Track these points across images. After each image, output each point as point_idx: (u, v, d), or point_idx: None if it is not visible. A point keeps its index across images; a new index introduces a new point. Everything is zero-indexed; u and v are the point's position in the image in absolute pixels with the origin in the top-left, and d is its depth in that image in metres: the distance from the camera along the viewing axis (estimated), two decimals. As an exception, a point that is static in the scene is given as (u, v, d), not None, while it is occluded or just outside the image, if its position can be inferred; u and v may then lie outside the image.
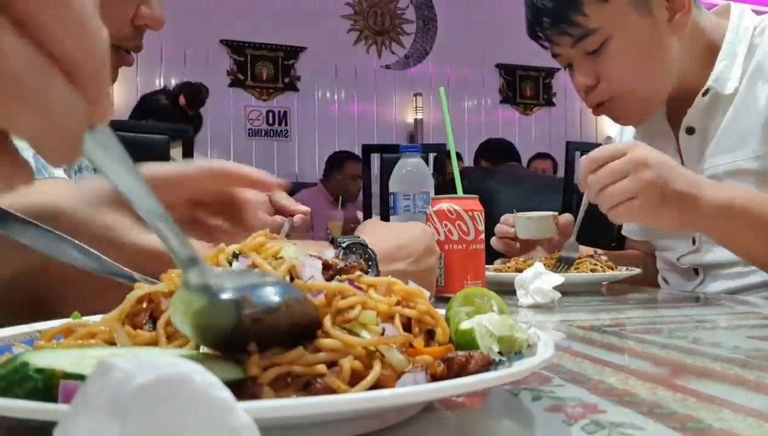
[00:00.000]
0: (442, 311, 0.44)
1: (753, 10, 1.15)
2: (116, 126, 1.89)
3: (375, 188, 2.53)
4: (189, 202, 0.66)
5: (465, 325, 0.41)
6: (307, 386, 0.31)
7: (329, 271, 0.41)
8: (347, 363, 0.32)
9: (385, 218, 1.61)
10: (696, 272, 1.22)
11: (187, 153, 2.09)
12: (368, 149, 2.71)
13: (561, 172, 3.36)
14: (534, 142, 5.57)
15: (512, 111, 5.93)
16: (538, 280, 0.87)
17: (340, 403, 0.28)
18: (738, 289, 1.13)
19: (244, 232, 0.46)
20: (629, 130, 1.34)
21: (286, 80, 5.27)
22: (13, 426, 0.31)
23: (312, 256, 0.41)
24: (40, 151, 0.23)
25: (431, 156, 2.58)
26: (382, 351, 0.34)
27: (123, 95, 4.55)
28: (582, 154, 2.58)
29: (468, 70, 5.67)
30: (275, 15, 5.14)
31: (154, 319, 0.37)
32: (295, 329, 0.33)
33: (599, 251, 1.22)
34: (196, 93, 2.62)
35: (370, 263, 0.68)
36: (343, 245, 0.69)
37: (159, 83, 4.72)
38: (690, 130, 1.14)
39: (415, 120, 5.49)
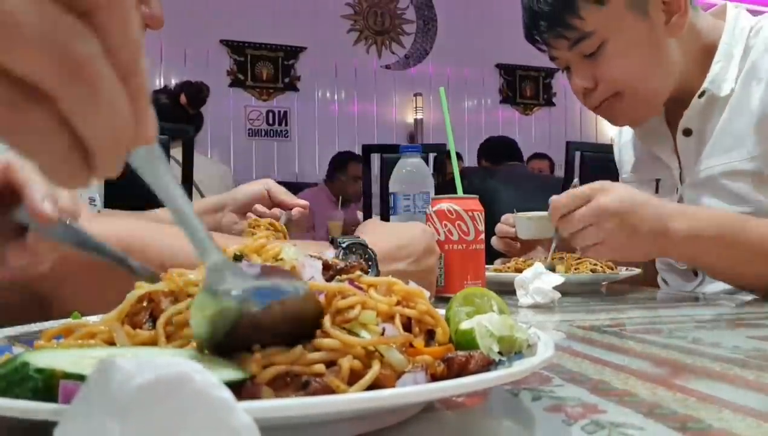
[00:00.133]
0: (442, 311, 0.44)
1: (749, 10, 1.15)
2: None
3: (375, 188, 2.53)
4: None
5: (465, 325, 0.41)
6: (305, 385, 0.31)
7: (329, 271, 0.41)
8: (346, 363, 0.32)
9: (385, 218, 1.62)
10: (695, 272, 1.22)
11: (187, 153, 2.09)
12: (368, 149, 2.71)
13: (560, 172, 3.36)
14: (534, 142, 5.57)
15: (512, 111, 5.93)
16: (538, 280, 0.87)
17: (340, 403, 0.28)
18: (737, 290, 1.13)
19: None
20: (628, 131, 1.34)
21: (286, 80, 5.27)
22: (13, 426, 0.31)
23: (312, 256, 0.41)
24: (100, 156, 0.24)
25: (431, 156, 2.58)
26: (381, 351, 0.34)
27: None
28: (582, 155, 2.58)
29: (468, 70, 5.66)
30: (275, 15, 5.14)
31: (154, 318, 0.37)
32: (299, 325, 0.34)
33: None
34: (197, 92, 2.62)
35: (370, 263, 0.68)
36: (343, 245, 0.69)
37: (159, 83, 4.71)
38: (687, 132, 1.14)
39: (415, 120, 5.49)
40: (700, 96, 1.10)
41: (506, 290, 0.87)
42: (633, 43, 1.07)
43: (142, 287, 0.38)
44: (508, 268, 1.17)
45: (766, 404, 0.39)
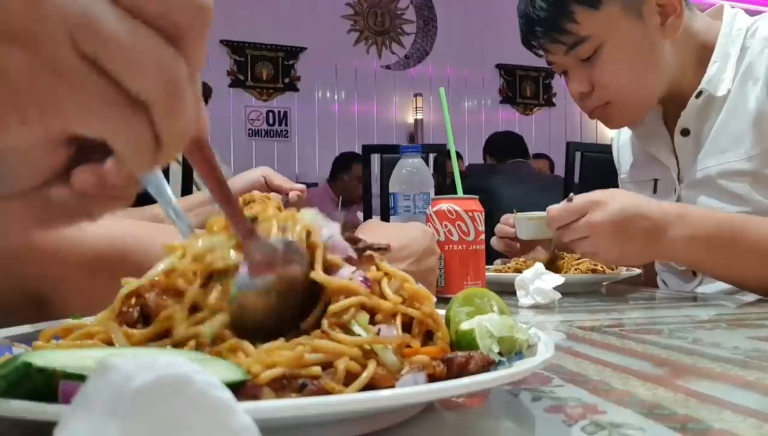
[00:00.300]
0: (442, 312, 0.45)
1: (746, 10, 1.15)
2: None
3: (375, 188, 2.53)
4: None
5: (465, 325, 0.41)
6: (302, 387, 0.31)
7: (356, 244, 0.41)
8: (341, 364, 0.32)
9: (385, 218, 1.62)
10: (694, 273, 1.22)
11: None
12: (368, 149, 2.71)
13: (560, 172, 3.36)
14: (534, 143, 5.56)
15: (512, 111, 5.93)
16: (539, 280, 0.87)
17: (341, 404, 0.28)
18: (736, 289, 1.13)
19: None
20: (626, 131, 1.35)
21: (286, 80, 5.27)
22: (13, 426, 0.31)
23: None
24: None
25: (431, 156, 2.58)
26: (377, 351, 0.34)
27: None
28: (582, 155, 2.57)
29: (468, 71, 5.66)
30: (275, 15, 5.14)
31: (144, 315, 0.37)
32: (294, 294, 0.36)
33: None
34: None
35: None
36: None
37: (159, 83, 4.70)
38: (685, 132, 1.15)
39: (415, 120, 5.49)
40: (697, 96, 1.10)
41: (506, 291, 0.87)
42: (629, 46, 1.08)
43: (129, 284, 0.38)
44: (508, 268, 1.17)
45: (766, 404, 0.39)
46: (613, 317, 0.82)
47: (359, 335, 0.35)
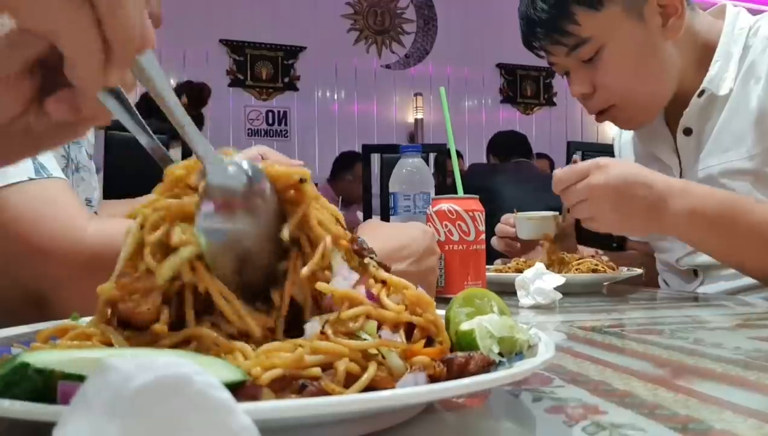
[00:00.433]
0: (442, 312, 0.44)
1: (749, 9, 1.15)
2: (116, 126, 1.88)
3: (375, 188, 2.53)
4: None
5: (465, 326, 0.41)
6: (301, 389, 0.31)
7: (362, 252, 0.41)
8: (342, 366, 0.32)
9: (385, 218, 1.62)
10: (695, 273, 1.22)
11: (187, 153, 2.09)
12: (368, 149, 2.71)
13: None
14: (535, 142, 5.56)
15: (513, 111, 5.93)
16: (539, 280, 0.86)
17: (341, 404, 0.28)
18: (738, 289, 1.13)
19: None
20: (628, 131, 1.34)
21: (286, 80, 5.27)
22: (12, 426, 0.31)
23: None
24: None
25: (431, 156, 2.58)
26: (383, 353, 0.34)
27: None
28: (583, 155, 2.58)
29: (468, 70, 5.66)
30: (275, 15, 5.14)
31: (120, 320, 0.37)
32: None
33: (600, 251, 1.22)
34: (198, 93, 2.63)
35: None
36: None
37: (159, 83, 4.70)
38: (687, 131, 1.14)
39: (416, 120, 5.49)
40: (700, 95, 1.10)
41: (507, 291, 0.87)
42: (630, 48, 1.07)
43: (103, 291, 0.38)
44: (509, 268, 1.17)
45: (767, 404, 0.39)
46: (613, 317, 0.82)
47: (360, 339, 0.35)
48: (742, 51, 1.08)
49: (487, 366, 0.37)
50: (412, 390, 0.31)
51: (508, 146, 3.66)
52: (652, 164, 1.24)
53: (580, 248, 1.26)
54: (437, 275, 0.88)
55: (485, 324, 0.40)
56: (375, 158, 2.70)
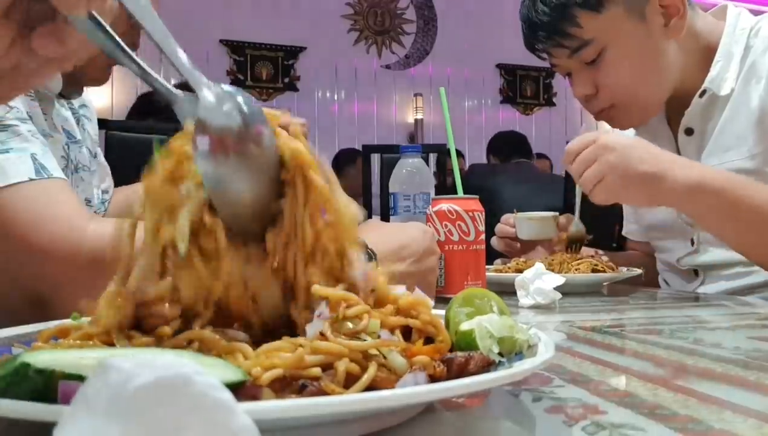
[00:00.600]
0: (442, 312, 0.44)
1: (750, 10, 1.15)
2: (116, 126, 1.88)
3: (375, 188, 2.53)
4: None
5: (465, 326, 0.41)
6: (301, 389, 0.31)
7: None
8: (342, 366, 0.32)
9: (385, 218, 1.61)
10: (696, 273, 1.22)
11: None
12: (368, 149, 2.71)
13: (560, 172, 3.35)
14: (534, 143, 5.56)
15: (513, 111, 5.92)
16: (539, 280, 0.86)
17: (342, 404, 0.28)
18: (738, 289, 1.13)
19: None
20: (629, 130, 1.34)
21: (286, 80, 5.26)
22: (13, 426, 0.31)
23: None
24: None
25: (432, 156, 2.58)
26: (384, 353, 0.34)
27: (123, 95, 4.54)
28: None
29: (468, 70, 5.66)
30: (275, 15, 5.14)
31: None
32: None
33: (600, 251, 1.22)
34: None
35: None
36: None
37: (159, 83, 4.70)
38: (689, 131, 1.15)
39: (416, 120, 5.49)
40: (701, 95, 1.10)
41: (507, 291, 0.87)
42: (632, 48, 1.07)
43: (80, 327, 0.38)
44: (509, 268, 1.17)
45: (767, 404, 0.39)
46: (613, 317, 0.82)
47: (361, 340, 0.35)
48: (744, 51, 1.08)
49: (487, 366, 0.37)
50: (412, 390, 0.31)
51: (508, 147, 3.67)
52: None
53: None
54: (437, 275, 0.88)
55: (485, 324, 0.40)
56: (375, 158, 2.70)
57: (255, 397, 0.29)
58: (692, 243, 1.19)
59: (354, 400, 0.29)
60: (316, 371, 0.31)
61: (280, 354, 0.32)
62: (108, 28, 0.39)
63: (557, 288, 0.86)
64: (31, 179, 0.65)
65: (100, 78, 0.89)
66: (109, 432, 0.21)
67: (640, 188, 0.97)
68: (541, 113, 5.99)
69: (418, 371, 0.34)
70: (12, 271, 0.64)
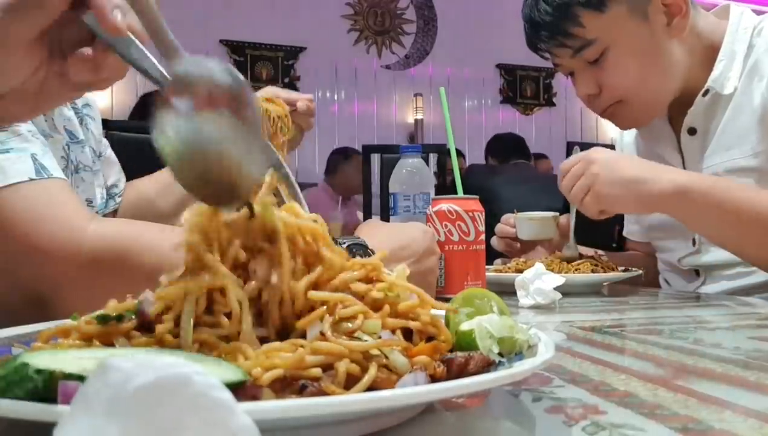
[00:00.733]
0: (442, 312, 0.44)
1: (753, 10, 1.15)
2: (116, 126, 1.88)
3: (375, 188, 2.53)
4: None
5: (465, 326, 0.41)
6: (302, 389, 0.30)
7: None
8: (342, 366, 0.32)
9: (385, 218, 1.62)
10: (697, 273, 1.22)
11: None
12: (368, 149, 2.71)
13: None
14: (534, 143, 5.56)
15: (512, 111, 5.92)
16: (539, 280, 0.86)
17: (342, 404, 0.28)
18: (739, 289, 1.13)
19: None
20: (630, 131, 1.34)
21: (286, 80, 5.26)
22: (12, 426, 0.31)
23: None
24: None
25: (432, 156, 2.58)
26: (385, 353, 0.34)
27: (123, 95, 4.55)
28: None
29: (468, 70, 5.66)
30: (275, 15, 5.14)
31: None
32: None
33: (600, 251, 1.22)
34: None
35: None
36: (344, 246, 0.69)
37: (159, 83, 4.70)
38: (691, 131, 1.15)
39: (416, 120, 5.49)
40: (704, 94, 1.10)
41: (507, 291, 0.87)
42: (635, 48, 1.07)
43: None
44: (509, 268, 1.17)
45: (767, 405, 0.39)
46: (613, 317, 0.82)
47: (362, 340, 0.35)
48: (746, 50, 1.08)
49: (487, 366, 0.37)
50: (412, 390, 0.31)
51: (507, 148, 3.68)
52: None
53: (581, 248, 1.25)
54: (437, 275, 0.88)
55: (485, 324, 0.40)
56: (375, 158, 2.70)
57: (255, 397, 0.29)
58: (694, 243, 1.19)
59: (354, 400, 0.29)
60: (317, 371, 0.31)
61: (280, 354, 0.32)
62: (142, 47, 0.39)
63: (557, 288, 0.86)
64: (31, 179, 0.65)
65: None
66: (108, 432, 0.21)
67: (626, 193, 0.99)
68: (541, 113, 5.99)
69: (418, 371, 0.34)
70: (12, 271, 0.64)
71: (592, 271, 1.10)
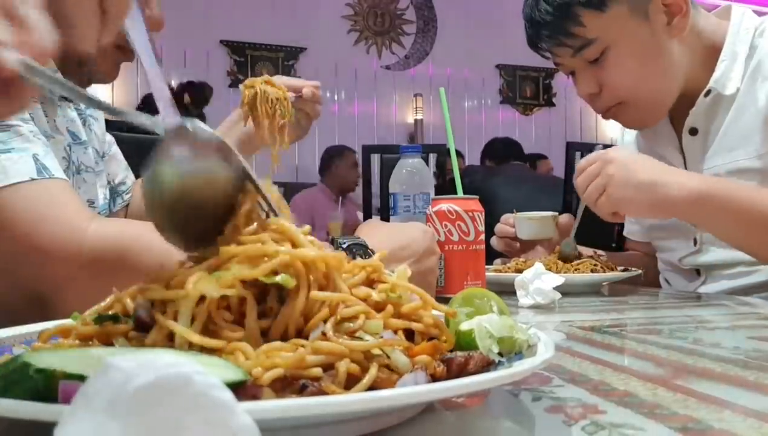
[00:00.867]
0: (441, 313, 0.44)
1: (754, 11, 1.15)
2: (117, 126, 1.88)
3: (375, 188, 2.53)
4: None
5: (465, 326, 0.41)
6: (302, 389, 0.31)
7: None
8: (343, 366, 0.32)
9: (385, 218, 1.62)
10: (698, 272, 1.22)
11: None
12: (368, 149, 2.71)
13: (559, 172, 3.35)
14: (534, 143, 5.57)
15: (512, 111, 5.93)
16: (539, 280, 0.86)
17: (342, 404, 0.28)
18: (739, 289, 1.13)
19: None
20: (631, 131, 1.34)
21: (286, 80, 5.26)
22: (13, 426, 0.31)
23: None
24: None
25: (431, 156, 2.57)
26: (387, 352, 0.34)
27: (123, 95, 4.55)
28: (582, 155, 2.58)
29: (468, 71, 5.66)
30: (275, 15, 5.14)
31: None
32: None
33: (600, 251, 1.22)
34: (200, 92, 2.64)
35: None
36: (344, 246, 0.69)
37: (159, 83, 4.71)
38: (693, 131, 1.15)
39: (415, 120, 5.49)
40: (706, 95, 1.10)
41: (506, 291, 0.87)
42: (636, 47, 1.08)
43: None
44: (508, 268, 1.17)
45: (766, 404, 0.39)
46: (613, 317, 0.82)
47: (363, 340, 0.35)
48: (749, 51, 1.09)
49: (487, 366, 0.37)
50: (412, 390, 0.31)
51: (503, 151, 3.71)
52: None
53: (580, 248, 1.26)
54: (437, 275, 0.88)
55: (485, 324, 0.40)
56: (375, 159, 2.70)
57: (255, 397, 0.29)
58: (695, 243, 1.19)
59: (354, 400, 0.29)
60: (317, 371, 0.31)
61: (281, 354, 0.32)
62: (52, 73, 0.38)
63: (557, 288, 0.86)
64: (33, 179, 0.65)
65: (110, 72, 0.88)
66: (109, 432, 0.21)
67: (641, 196, 0.99)
68: (541, 113, 6.00)
69: (418, 371, 0.34)
70: (12, 271, 0.64)
71: (592, 271, 1.10)
